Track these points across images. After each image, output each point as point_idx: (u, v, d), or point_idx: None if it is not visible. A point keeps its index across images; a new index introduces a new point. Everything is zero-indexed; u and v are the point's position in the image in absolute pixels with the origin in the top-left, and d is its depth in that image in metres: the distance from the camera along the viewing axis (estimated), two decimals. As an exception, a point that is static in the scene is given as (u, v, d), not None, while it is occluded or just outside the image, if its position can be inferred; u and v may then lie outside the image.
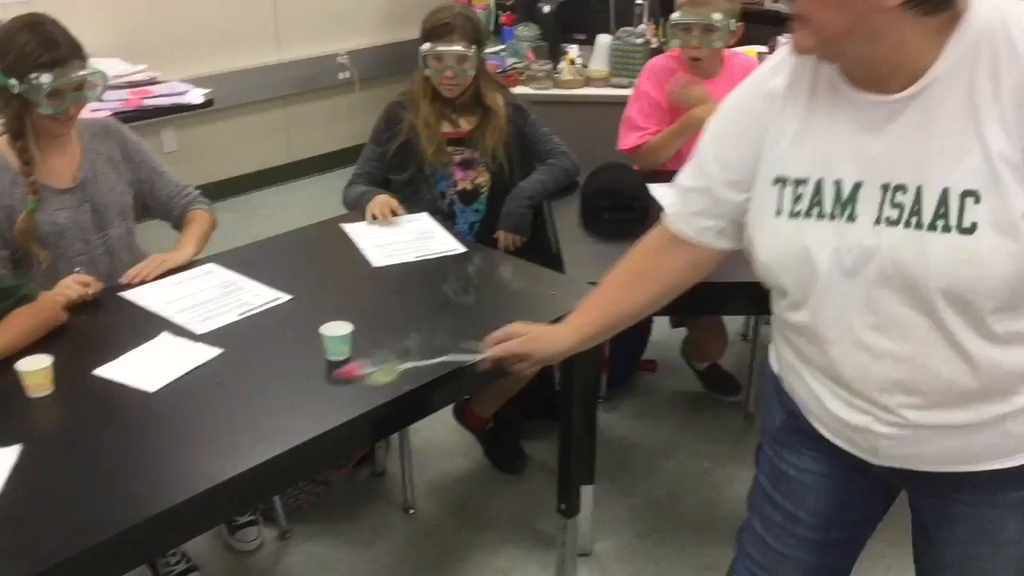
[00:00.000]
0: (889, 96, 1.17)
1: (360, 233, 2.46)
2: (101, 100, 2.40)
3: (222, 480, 1.51)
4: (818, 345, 1.30)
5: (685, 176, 1.45)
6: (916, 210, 1.15)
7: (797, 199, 1.25)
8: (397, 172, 2.72)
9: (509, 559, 2.47)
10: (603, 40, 3.80)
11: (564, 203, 2.71)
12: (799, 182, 1.25)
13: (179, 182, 2.43)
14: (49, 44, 2.07)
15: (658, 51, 3.77)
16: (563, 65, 3.80)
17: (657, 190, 2.46)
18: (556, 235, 2.54)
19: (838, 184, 1.21)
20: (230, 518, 2.46)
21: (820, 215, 1.23)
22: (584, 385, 2.20)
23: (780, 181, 1.28)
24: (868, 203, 1.19)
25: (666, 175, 1.86)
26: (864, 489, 1.44)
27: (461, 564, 2.46)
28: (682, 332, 3.16)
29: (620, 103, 3.59)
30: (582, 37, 3.95)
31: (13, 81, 2.06)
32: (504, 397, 2.73)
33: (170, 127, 4.54)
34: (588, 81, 3.78)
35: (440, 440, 2.92)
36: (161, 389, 1.74)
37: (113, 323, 2.01)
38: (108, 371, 1.79)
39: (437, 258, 2.34)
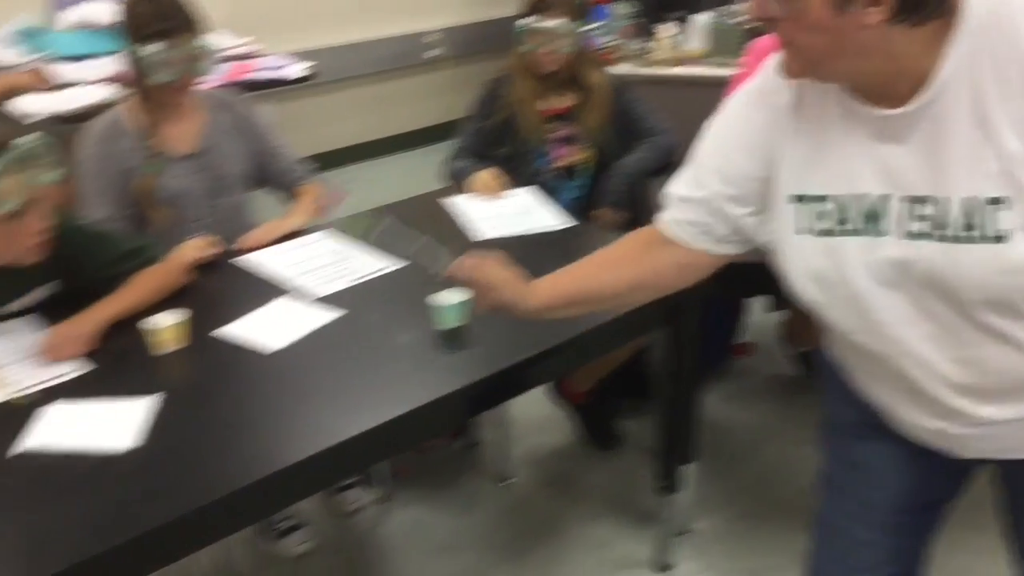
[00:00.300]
0: (898, 109, 1.12)
1: (465, 206, 2.48)
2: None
3: (345, 439, 1.54)
4: (876, 360, 1.27)
5: (681, 185, 1.39)
6: (942, 223, 1.11)
7: (821, 216, 1.21)
8: (497, 147, 2.72)
9: (605, 533, 2.47)
10: (700, 19, 3.74)
11: (663, 182, 2.68)
12: (820, 199, 1.21)
13: (293, 156, 2.48)
14: (163, 15, 2.13)
15: (758, 30, 3.71)
16: (658, 44, 3.76)
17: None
18: (654, 214, 2.51)
19: (862, 199, 1.18)
20: (349, 476, 2.51)
21: (848, 232, 1.19)
22: (688, 363, 2.18)
23: (799, 199, 1.24)
24: (895, 217, 1.15)
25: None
26: (941, 471, 1.40)
27: (557, 536, 2.47)
28: (778, 315, 3.11)
29: (716, 83, 3.53)
30: (678, 16, 3.89)
31: (130, 48, 2.15)
32: (601, 373, 2.72)
33: (269, 100, 4.62)
34: (683, 60, 3.73)
35: (534, 414, 2.94)
36: (281, 350, 1.78)
37: (232, 285, 2.07)
38: (230, 331, 1.84)
39: (542, 232, 2.35)
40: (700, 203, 1.34)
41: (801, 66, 1.15)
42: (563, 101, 2.70)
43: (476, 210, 2.46)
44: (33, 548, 1.30)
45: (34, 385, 1.67)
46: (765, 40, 2.79)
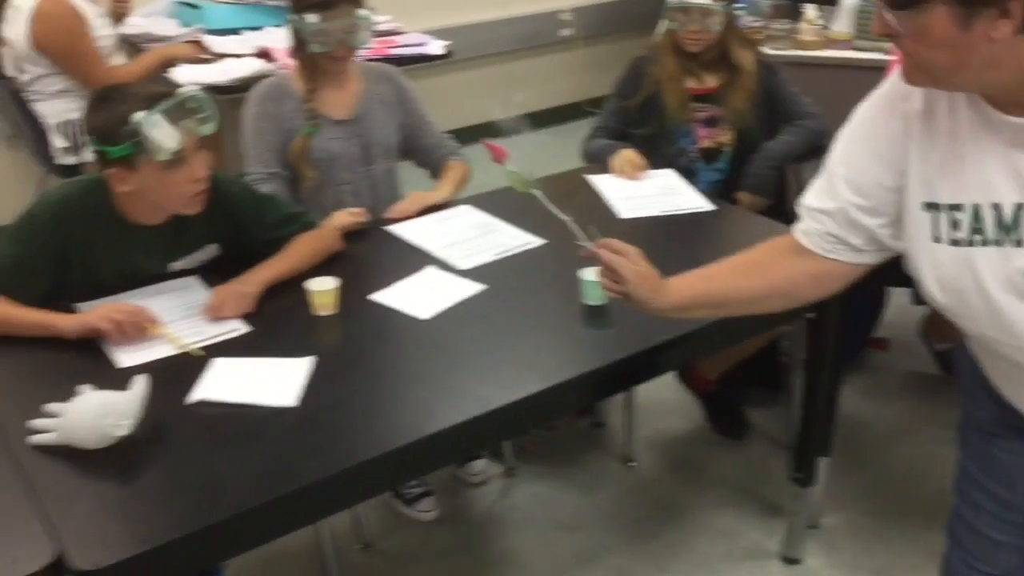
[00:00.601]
0: None
1: (606, 185, 2.48)
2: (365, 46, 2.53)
3: (492, 408, 1.57)
4: (1012, 365, 1.23)
5: (813, 196, 1.36)
6: None
7: (955, 225, 1.18)
8: (639, 127, 2.71)
9: (732, 522, 2.45)
10: (850, 1, 3.62)
11: (810, 167, 2.62)
12: (953, 208, 1.18)
13: (442, 133, 2.54)
14: None
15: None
16: (804, 26, 3.66)
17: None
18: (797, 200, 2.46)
19: (997, 208, 1.14)
20: (491, 446, 2.57)
21: (984, 241, 1.16)
22: (830, 355, 2.14)
23: (932, 207, 1.20)
24: None
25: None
26: None
27: (682, 521, 2.47)
28: (920, 310, 3.01)
29: (863, 67, 3.45)
30: (825, -3, 3.79)
31: (293, 17, 2.24)
32: (731, 361, 2.69)
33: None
34: (830, 42, 3.62)
35: (661, 398, 2.93)
36: (432, 317, 1.83)
37: (383, 254, 2.13)
38: (382, 297, 1.90)
39: (684, 214, 2.33)
40: (833, 214, 1.33)
41: (924, 78, 1.13)
42: (709, 81, 2.67)
43: (616, 189, 2.45)
44: (206, 493, 1.37)
45: (202, 340, 1.76)
46: None
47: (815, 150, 2.65)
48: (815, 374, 2.15)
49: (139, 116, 1.73)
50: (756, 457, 2.70)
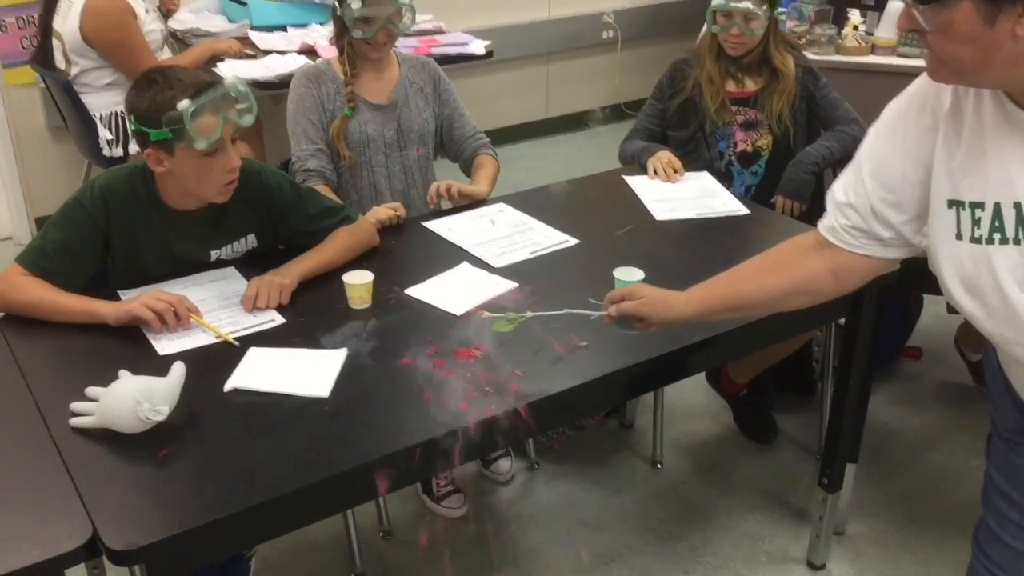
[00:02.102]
0: None
1: (642, 186, 2.49)
2: (407, 35, 2.59)
3: (533, 400, 1.60)
4: None
5: (841, 189, 1.38)
6: None
7: (976, 223, 1.18)
8: (677, 129, 2.72)
9: (758, 526, 2.45)
10: (895, 7, 3.59)
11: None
12: (975, 205, 1.18)
13: (476, 126, 2.59)
14: None
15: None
16: (847, 31, 3.64)
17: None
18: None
19: (1018, 207, 1.14)
20: (523, 440, 2.59)
21: (1003, 240, 1.16)
22: (862, 360, 2.14)
23: (955, 204, 1.21)
24: None
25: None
26: None
27: (708, 523, 2.47)
28: (956, 319, 2.98)
29: (907, 73, 3.39)
30: (870, 3, 3.75)
31: (334, 3, 2.32)
32: (762, 366, 2.69)
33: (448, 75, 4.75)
34: (874, 49, 3.60)
35: (689, 401, 2.93)
36: (466, 312, 1.85)
37: (419, 249, 2.16)
38: (417, 292, 1.93)
39: (719, 217, 2.34)
40: (859, 208, 1.35)
41: (948, 74, 1.14)
42: (749, 85, 2.67)
43: (652, 191, 2.47)
44: (238, 479, 1.41)
45: (239, 331, 1.80)
46: None
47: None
48: (845, 380, 2.15)
49: (183, 105, 1.77)
50: (784, 463, 2.70)
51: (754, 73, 2.67)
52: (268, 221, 2.04)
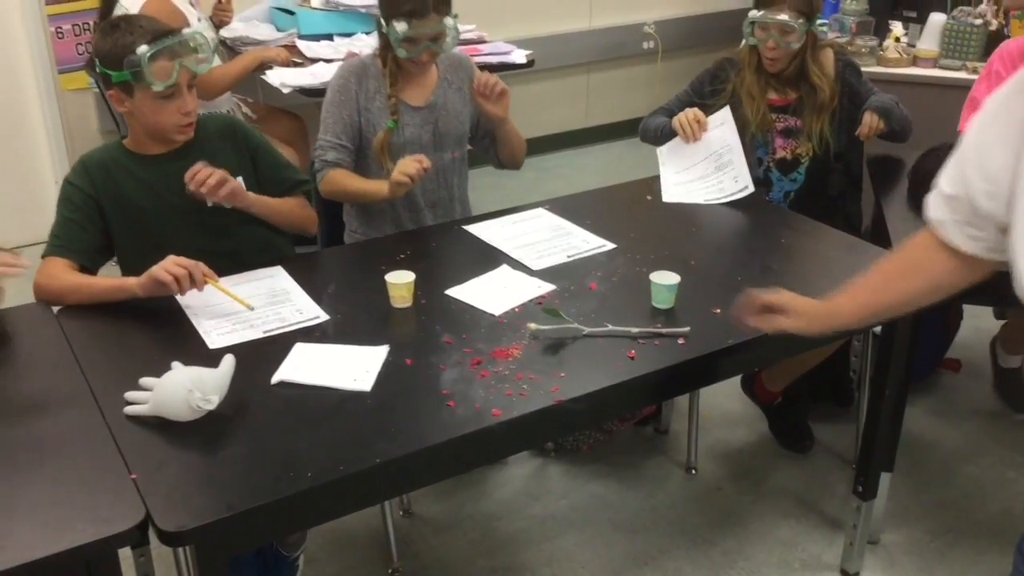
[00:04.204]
0: None
1: (666, 157, 2.62)
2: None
3: (561, 400, 1.64)
4: None
5: (945, 180, 1.38)
6: None
7: None
8: None
9: (792, 533, 2.46)
10: (937, 19, 3.59)
11: (890, 178, 2.63)
12: None
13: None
14: None
15: (997, 33, 3.52)
16: (888, 42, 3.64)
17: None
18: (882, 211, 2.45)
19: None
20: (560, 437, 2.65)
21: None
22: (899, 368, 2.15)
23: None
24: None
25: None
26: None
27: (743, 529, 2.48)
28: (998, 327, 2.98)
29: (949, 86, 3.42)
30: (912, 15, 3.75)
31: (379, 19, 2.36)
32: (797, 373, 2.70)
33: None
34: (915, 60, 3.59)
35: (725, 408, 2.95)
36: (504, 313, 1.90)
37: (460, 251, 2.21)
38: (457, 292, 1.98)
39: (721, 204, 2.45)
40: (964, 201, 1.35)
41: None
42: (789, 93, 2.68)
43: (672, 169, 2.57)
44: (283, 467, 1.46)
45: (285, 327, 1.86)
46: (1017, 42, 2.67)
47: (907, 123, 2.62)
48: (881, 389, 2.16)
49: (141, 50, 1.94)
50: (819, 471, 2.70)
51: (793, 84, 2.68)
52: (252, 170, 2.20)
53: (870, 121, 2.57)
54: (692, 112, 2.60)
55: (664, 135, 2.66)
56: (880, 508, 2.34)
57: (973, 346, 3.14)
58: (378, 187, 2.34)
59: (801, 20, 2.55)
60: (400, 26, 2.28)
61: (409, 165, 2.24)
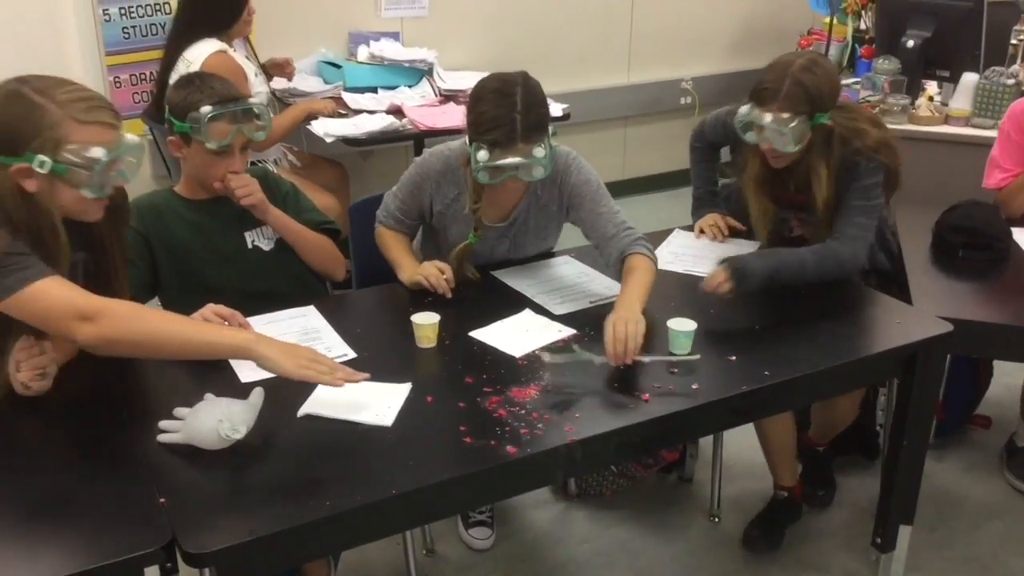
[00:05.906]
0: None
1: (678, 241, 2.61)
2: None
3: (580, 438, 1.70)
4: None
5: None
6: None
7: None
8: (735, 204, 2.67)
9: (812, 584, 2.46)
10: (969, 78, 3.62)
11: (914, 233, 2.65)
12: None
13: (620, 221, 2.26)
14: (498, 122, 2.05)
15: (1024, 92, 3.55)
16: (921, 101, 3.68)
17: (1022, 236, 2.36)
18: (904, 266, 2.46)
19: None
20: (581, 474, 2.70)
21: None
22: (920, 421, 2.16)
23: None
24: None
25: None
26: None
27: (761, 579, 2.49)
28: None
29: (981, 144, 3.43)
30: (945, 74, 3.79)
31: (466, 139, 2.17)
32: (841, 426, 2.72)
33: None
34: (947, 119, 3.63)
35: (749, 458, 2.94)
36: (524, 355, 1.96)
37: (486, 295, 2.28)
38: (480, 334, 2.05)
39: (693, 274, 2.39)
40: None
41: None
42: (799, 188, 2.40)
43: (685, 244, 2.56)
44: (306, 495, 1.53)
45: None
46: (1020, 104, 2.72)
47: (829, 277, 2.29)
48: (898, 440, 2.17)
49: (204, 110, 2.13)
50: (840, 524, 2.70)
51: (802, 181, 2.36)
52: (282, 212, 2.32)
53: (716, 277, 2.15)
54: (712, 219, 2.60)
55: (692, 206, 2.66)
56: (901, 562, 2.33)
57: (1003, 403, 3.12)
58: (401, 266, 2.31)
59: (797, 121, 2.19)
60: (482, 154, 2.06)
61: (435, 275, 2.20)
